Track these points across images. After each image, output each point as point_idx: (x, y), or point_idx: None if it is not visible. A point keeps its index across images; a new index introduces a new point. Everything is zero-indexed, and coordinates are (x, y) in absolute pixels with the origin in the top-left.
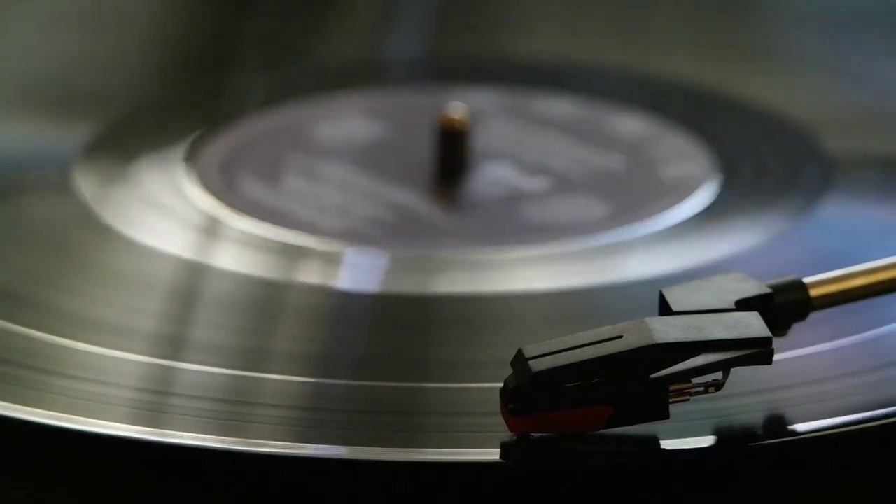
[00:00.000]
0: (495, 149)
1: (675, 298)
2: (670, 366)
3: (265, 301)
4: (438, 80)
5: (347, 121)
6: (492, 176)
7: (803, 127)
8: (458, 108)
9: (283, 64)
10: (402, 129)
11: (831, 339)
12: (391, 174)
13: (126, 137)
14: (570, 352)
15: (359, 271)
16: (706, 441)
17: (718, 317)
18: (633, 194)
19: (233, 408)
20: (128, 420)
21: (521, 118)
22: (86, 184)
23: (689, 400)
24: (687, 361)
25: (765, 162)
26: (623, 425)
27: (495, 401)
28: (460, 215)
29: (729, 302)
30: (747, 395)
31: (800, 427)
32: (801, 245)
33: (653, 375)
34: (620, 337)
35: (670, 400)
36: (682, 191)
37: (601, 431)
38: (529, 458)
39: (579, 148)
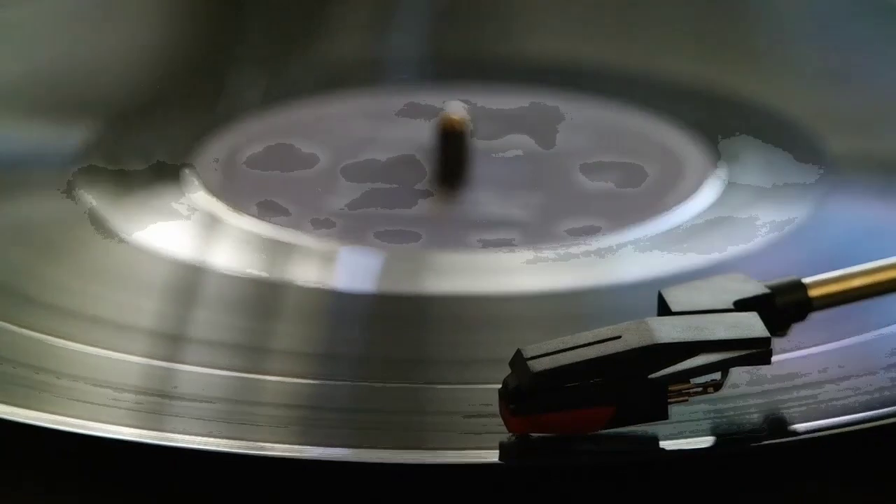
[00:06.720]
0: (495, 148)
1: (675, 299)
2: (670, 366)
3: (265, 301)
4: (438, 80)
5: (346, 120)
6: (492, 175)
7: (804, 127)
8: (458, 108)
9: (282, 63)
10: (402, 129)
11: (831, 339)
12: (391, 174)
13: (125, 137)
14: (570, 352)
15: (358, 271)
16: (706, 441)
17: (718, 317)
18: (632, 194)
19: (232, 408)
20: (127, 421)
21: (521, 117)
22: (85, 184)
23: (688, 400)
24: (686, 361)
25: (765, 162)
26: (622, 426)
27: (495, 401)
28: (460, 215)
29: (728, 302)
30: (746, 395)
31: (799, 428)
32: (801, 245)
33: (652, 376)
34: (620, 337)
35: (669, 400)
36: (682, 191)
37: (601, 431)
38: (529, 459)
39: (580, 147)
